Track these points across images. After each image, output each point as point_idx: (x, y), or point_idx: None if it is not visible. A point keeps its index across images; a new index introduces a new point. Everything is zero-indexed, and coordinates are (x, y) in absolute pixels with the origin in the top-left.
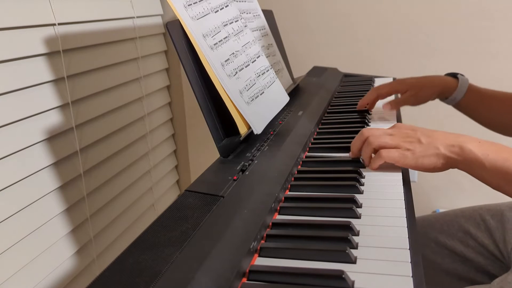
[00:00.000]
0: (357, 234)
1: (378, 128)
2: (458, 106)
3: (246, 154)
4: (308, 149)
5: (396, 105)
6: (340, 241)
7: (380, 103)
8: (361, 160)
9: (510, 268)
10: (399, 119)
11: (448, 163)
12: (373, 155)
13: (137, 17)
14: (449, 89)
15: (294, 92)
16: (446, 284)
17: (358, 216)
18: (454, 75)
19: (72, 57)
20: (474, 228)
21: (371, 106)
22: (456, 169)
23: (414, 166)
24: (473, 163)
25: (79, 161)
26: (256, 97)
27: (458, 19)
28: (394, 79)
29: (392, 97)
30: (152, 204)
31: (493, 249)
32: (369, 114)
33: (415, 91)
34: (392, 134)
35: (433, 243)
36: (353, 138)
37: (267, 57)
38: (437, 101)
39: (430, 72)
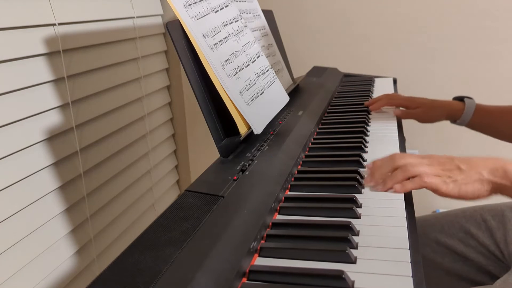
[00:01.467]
0: (357, 234)
1: (411, 154)
2: (470, 126)
3: (246, 154)
4: (308, 149)
5: (405, 115)
6: (340, 241)
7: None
8: (368, 184)
9: (511, 269)
10: (399, 122)
11: (493, 189)
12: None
13: (137, 17)
14: (456, 113)
15: (294, 92)
16: (446, 284)
17: (358, 216)
18: (461, 99)
19: (72, 57)
20: (475, 228)
21: (376, 108)
22: None
23: (457, 194)
24: None
25: (79, 161)
26: (256, 97)
27: (458, 19)
28: (394, 79)
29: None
30: (152, 204)
31: (494, 249)
32: (369, 114)
33: (425, 110)
34: (430, 164)
35: (434, 243)
36: (353, 138)
37: (267, 57)
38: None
39: (430, 72)
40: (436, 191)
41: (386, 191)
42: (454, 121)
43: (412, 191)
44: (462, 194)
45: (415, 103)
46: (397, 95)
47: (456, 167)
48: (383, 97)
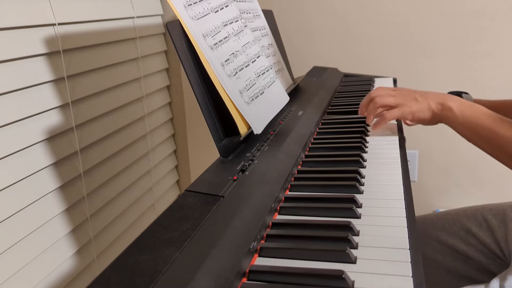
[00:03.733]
0: (357, 234)
1: (384, 87)
2: None
3: (246, 154)
4: (308, 149)
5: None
6: (340, 241)
7: None
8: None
9: (510, 265)
10: (399, 122)
11: (435, 117)
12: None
13: (137, 17)
14: None
15: (294, 92)
16: (447, 283)
17: (358, 216)
18: (458, 94)
19: (72, 57)
20: (476, 227)
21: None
22: (456, 170)
23: (411, 119)
24: (451, 118)
25: (79, 161)
26: (256, 97)
27: (457, 19)
28: (394, 79)
29: None
30: (152, 204)
31: (494, 248)
32: None
33: None
34: (394, 95)
35: (435, 242)
36: (353, 138)
37: (267, 57)
38: None
39: (430, 72)
40: (397, 119)
41: (370, 122)
42: None
43: (412, 191)
44: (415, 119)
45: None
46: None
47: (414, 98)
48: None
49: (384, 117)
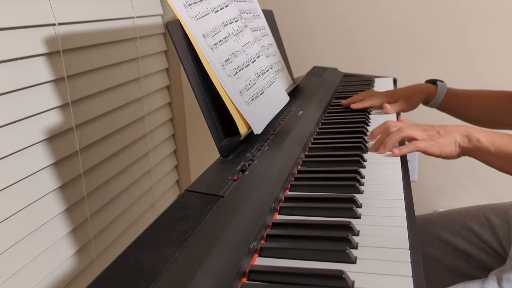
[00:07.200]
0: (357, 234)
1: (400, 122)
2: (440, 108)
3: (246, 154)
4: (308, 149)
5: (393, 110)
6: (340, 241)
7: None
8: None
9: (507, 260)
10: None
11: (462, 151)
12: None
13: (137, 17)
14: (430, 95)
15: (294, 92)
16: (448, 281)
17: (358, 216)
18: (433, 82)
19: (72, 57)
20: (478, 225)
21: (357, 106)
22: (456, 170)
23: (439, 154)
24: (481, 150)
25: (79, 161)
26: (256, 97)
27: (457, 20)
28: (394, 79)
29: None
30: (152, 204)
31: (496, 246)
32: (369, 114)
33: (405, 99)
34: (417, 128)
35: (436, 240)
36: (353, 138)
37: (267, 57)
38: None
39: (430, 72)
40: (424, 152)
41: (385, 152)
42: (427, 103)
43: (412, 191)
44: (442, 154)
45: (394, 96)
46: (376, 93)
47: (437, 132)
48: (364, 96)
49: (414, 144)
